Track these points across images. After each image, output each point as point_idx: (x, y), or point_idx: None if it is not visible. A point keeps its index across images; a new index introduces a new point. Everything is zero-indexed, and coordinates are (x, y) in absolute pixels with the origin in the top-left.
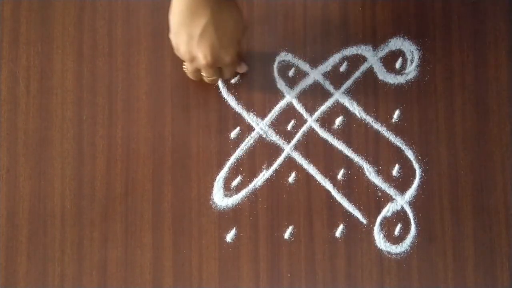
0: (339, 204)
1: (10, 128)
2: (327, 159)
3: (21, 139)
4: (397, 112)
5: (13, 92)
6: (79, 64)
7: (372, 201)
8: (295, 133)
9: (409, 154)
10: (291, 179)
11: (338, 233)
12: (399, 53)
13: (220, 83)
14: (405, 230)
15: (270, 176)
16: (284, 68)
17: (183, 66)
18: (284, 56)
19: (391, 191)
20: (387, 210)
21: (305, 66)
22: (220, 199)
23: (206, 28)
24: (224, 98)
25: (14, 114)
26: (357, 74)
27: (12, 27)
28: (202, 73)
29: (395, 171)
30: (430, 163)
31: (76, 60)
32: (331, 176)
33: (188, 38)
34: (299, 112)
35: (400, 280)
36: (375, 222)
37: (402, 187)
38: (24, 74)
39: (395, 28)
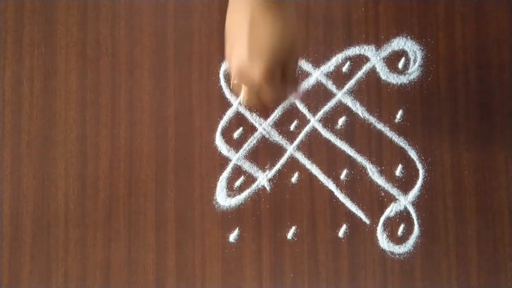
0: (342, 204)
1: (14, 128)
2: (330, 159)
3: (25, 140)
4: (400, 112)
5: (16, 93)
6: (83, 65)
7: (375, 201)
8: (298, 133)
9: (412, 154)
10: (294, 179)
11: (341, 233)
12: (402, 53)
13: (222, 83)
14: (408, 230)
15: (273, 176)
16: None
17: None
18: None
19: (394, 191)
20: (390, 210)
21: (307, 66)
22: (223, 199)
23: (241, 32)
24: (227, 98)
25: (18, 115)
26: (360, 74)
27: (15, 28)
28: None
29: (398, 171)
30: (433, 163)
31: (79, 61)
32: (334, 176)
33: (229, 47)
34: (302, 112)
35: (403, 280)
36: (378, 222)
37: (405, 187)
38: (28, 75)
39: (398, 28)
